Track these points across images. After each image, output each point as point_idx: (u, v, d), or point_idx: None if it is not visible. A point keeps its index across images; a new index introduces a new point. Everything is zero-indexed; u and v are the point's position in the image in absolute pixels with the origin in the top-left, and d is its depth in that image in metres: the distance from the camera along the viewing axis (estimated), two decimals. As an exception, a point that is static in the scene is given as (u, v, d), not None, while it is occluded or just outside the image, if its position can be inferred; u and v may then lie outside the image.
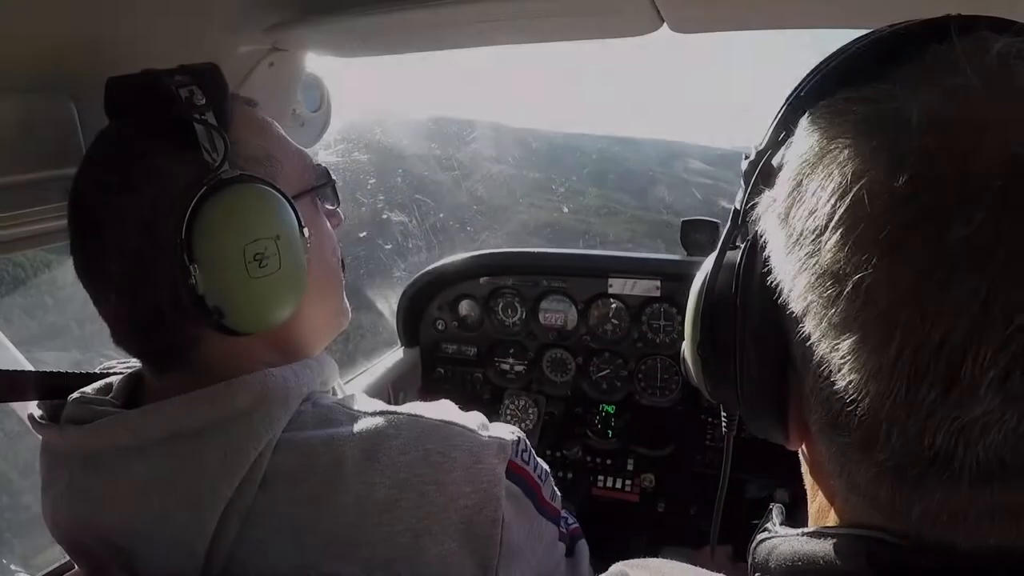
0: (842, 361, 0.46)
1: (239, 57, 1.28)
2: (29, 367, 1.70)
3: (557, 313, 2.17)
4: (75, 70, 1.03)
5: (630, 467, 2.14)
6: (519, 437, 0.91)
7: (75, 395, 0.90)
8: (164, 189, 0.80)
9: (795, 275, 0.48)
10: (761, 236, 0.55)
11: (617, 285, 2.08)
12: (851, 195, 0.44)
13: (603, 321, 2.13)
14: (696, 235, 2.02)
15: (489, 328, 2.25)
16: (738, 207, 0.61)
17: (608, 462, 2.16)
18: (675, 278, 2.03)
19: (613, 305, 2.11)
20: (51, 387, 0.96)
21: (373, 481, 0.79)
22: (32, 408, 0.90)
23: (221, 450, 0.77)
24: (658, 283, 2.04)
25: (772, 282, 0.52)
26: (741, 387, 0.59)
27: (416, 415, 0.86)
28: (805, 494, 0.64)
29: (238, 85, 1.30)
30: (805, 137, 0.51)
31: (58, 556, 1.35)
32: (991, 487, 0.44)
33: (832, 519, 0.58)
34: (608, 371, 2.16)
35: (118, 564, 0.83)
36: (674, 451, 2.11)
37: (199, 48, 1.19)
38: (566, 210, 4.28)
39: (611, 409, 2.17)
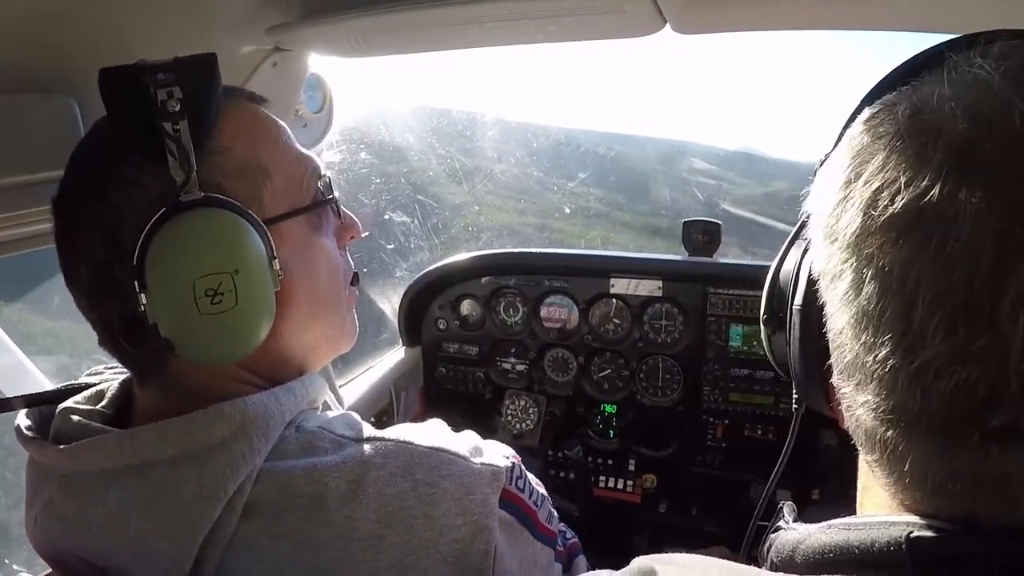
0: (834, 308, 0.54)
1: (242, 57, 1.28)
2: (31, 367, 1.70)
3: (559, 312, 2.18)
4: (78, 70, 1.03)
5: (631, 467, 2.14)
6: (514, 463, 0.87)
7: (65, 405, 0.86)
8: (131, 201, 0.76)
9: (819, 242, 0.57)
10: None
11: (619, 285, 2.08)
12: (848, 170, 0.53)
13: (605, 321, 2.13)
14: (698, 236, 2.03)
15: (491, 328, 2.25)
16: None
17: (609, 462, 2.17)
18: (677, 278, 2.04)
19: (615, 305, 2.11)
20: (39, 397, 0.92)
21: (357, 515, 0.75)
22: (21, 418, 0.87)
23: (197, 481, 0.74)
24: (660, 283, 2.04)
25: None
26: (791, 356, 0.69)
27: (405, 442, 0.82)
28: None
29: (241, 85, 1.30)
30: (846, 135, 0.58)
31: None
32: (955, 445, 0.47)
33: (869, 506, 0.60)
34: (609, 371, 2.16)
35: None
36: (675, 451, 2.11)
37: (202, 47, 1.18)
38: (567, 211, 4.26)
39: (612, 409, 2.17)
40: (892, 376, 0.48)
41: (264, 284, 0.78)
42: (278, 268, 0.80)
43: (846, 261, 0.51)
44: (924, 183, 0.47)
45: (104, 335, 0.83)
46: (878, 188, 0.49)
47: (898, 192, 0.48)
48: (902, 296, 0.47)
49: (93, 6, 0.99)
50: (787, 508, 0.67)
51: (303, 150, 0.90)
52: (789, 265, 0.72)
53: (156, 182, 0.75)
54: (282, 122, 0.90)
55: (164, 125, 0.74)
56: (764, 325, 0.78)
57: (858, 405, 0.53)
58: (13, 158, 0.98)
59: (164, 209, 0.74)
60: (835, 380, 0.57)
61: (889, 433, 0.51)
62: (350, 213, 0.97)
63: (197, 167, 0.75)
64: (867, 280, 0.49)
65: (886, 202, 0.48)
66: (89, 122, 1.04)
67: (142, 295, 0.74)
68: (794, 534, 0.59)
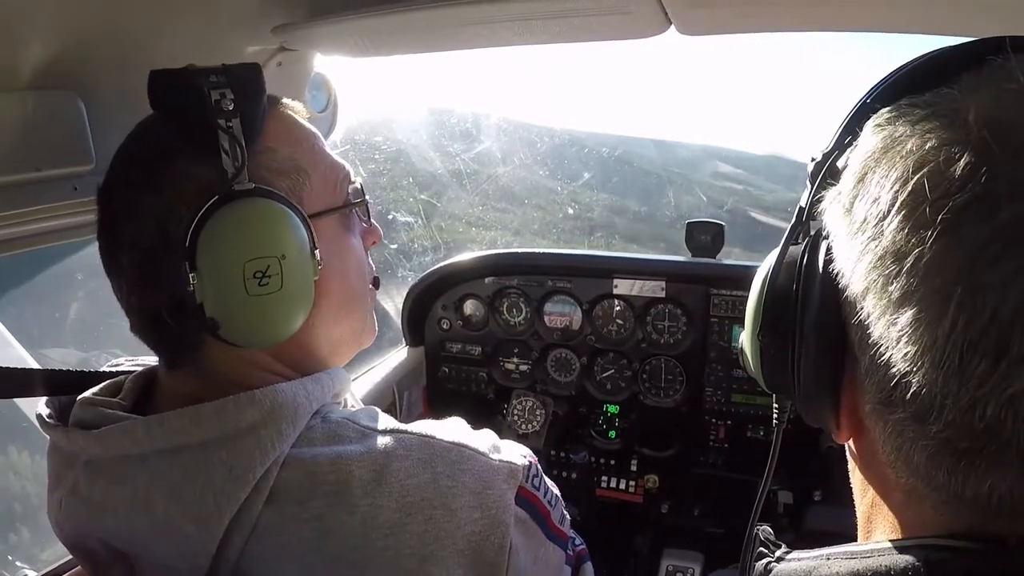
0: (900, 334, 0.48)
1: (248, 57, 1.28)
2: (35, 365, 1.71)
3: (562, 313, 2.18)
4: (84, 69, 1.03)
5: (633, 468, 2.14)
6: (531, 462, 0.89)
7: (84, 395, 0.89)
8: (182, 192, 0.80)
9: (857, 258, 0.52)
10: (824, 229, 0.59)
11: (622, 286, 2.08)
12: (912, 182, 0.48)
13: (608, 321, 2.13)
14: (701, 237, 2.03)
15: (494, 328, 2.25)
16: (803, 205, 0.65)
17: (612, 463, 2.17)
18: (680, 279, 2.04)
19: (618, 306, 2.11)
20: (59, 384, 0.96)
21: (380, 503, 0.78)
22: (41, 407, 0.90)
23: (227, 465, 0.77)
24: (663, 284, 2.04)
25: (833, 271, 0.56)
26: (798, 373, 0.61)
27: (427, 436, 0.85)
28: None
29: (246, 84, 1.30)
30: (870, 136, 0.55)
31: (63, 553, 1.35)
32: None
33: (881, 526, 0.59)
34: (612, 371, 2.16)
35: (121, 568, 0.83)
36: (678, 452, 2.12)
37: (208, 47, 1.20)
38: (570, 211, 4.25)
39: (615, 409, 2.17)
40: (980, 406, 0.45)
41: (306, 271, 0.83)
42: (319, 257, 0.85)
43: (916, 288, 0.47)
44: None
45: (141, 321, 0.86)
46: (966, 204, 0.45)
47: (996, 207, 0.44)
48: (998, 322, 0.44)
49: (99, 4, 0.99)
50: (762, 534, 0.65)
51: (336, 156, 0.95)
52: (789, 271, 0.63)
53: (208, 174, 0.80)
54: (316, 130, 0.95)
55: (219, 121, 0.79)
56: (760, 339, 0.66)
57: (913, 433, 0.51)
58: (19, 156, 0.99)
59: (217, 197, 0.79)
60: (871, 408, 0.55)
61: (962, 462, 0.48)
62: (374, 221, 1.02)
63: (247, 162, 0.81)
64: (953, 307, 0.45)
65: (975, 219, 0.45)
66: (95, 120, 1.05)
67: (192, 275, 0.78)
68: (795, 566, 0.57)
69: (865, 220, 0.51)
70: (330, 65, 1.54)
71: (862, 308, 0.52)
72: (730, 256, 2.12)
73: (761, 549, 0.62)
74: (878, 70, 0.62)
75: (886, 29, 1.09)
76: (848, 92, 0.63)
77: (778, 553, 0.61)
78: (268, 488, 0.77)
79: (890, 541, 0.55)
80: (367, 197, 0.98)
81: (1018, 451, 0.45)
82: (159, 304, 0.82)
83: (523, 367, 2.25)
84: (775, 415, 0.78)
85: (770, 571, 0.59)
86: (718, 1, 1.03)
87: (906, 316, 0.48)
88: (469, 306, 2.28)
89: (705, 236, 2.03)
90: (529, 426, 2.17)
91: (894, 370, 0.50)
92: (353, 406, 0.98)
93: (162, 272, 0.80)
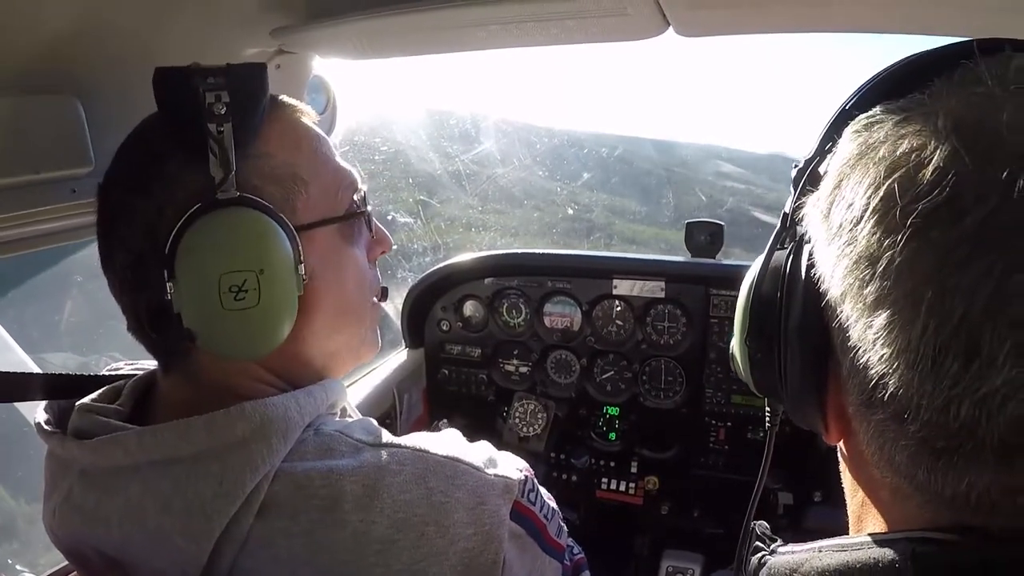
0: (875, 337, 0.50)
1: (246, 59, 1.28)
2: (35, 367, 1.71)
3: (562, 314, 2.17)
4: (82, 70, 1.04)
5: (633, 469, 2.14)
6: (526, 476, 0.88)
7: (82, 402, 0.88)
8: (171, 196, 0.79)
9: (835, 263, 0.53)
10: (806, 234, 0.60)
11: (622, 286, 2.08)
12: (884, 187, 0.49)
13: (608, 322, 2.13)
14: (700, 237, 2.03)
15: (494, 329, 2.25)
16: (787, 211, 0.66)
17: (612, 464, 2.16)
18: (680, 279, 2.03)
19: (618, 306, 2.11)
20: (58, 388, 0.95)
21: (371, 519, 0.77)
22: (39, 413, 0.89)
23: (217, 479, 0.76)
24: (662, 284, 2.04)
25: (815, 275, 0.57)
26: (784, 376, 0.62)
27: (421, 450, 0.83)
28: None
29: (244, 87, 1.30)
30: (847, 142, 0.56)
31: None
32: (1015, 463, 0.46)
33: (871, 524, 0.60)
34: (612, 373, 2.16)
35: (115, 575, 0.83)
36: (678, 454, 2.12)
37: (207, 49, 1.19)
38: (569, 211, 4.24)
39: (615, 411, 2.17)
40: (954, 405, 0.46)
41: (288, 287, 0.81)
42: (303, 273, 0.83)
43: (889, 291, 0.48)
44: (994, 201, 0.44)
45: (133, 321, 0.85)
46: (934, 207, 0.46)
47: (963, 211, 0.45)
48: (968, 324, 0.45)
49: (98, 7, 0.99)
50: (759, 528, 0.66)
51: (342, 163, 0.93)
52: (774, 276, 0.64)
53: (196, 179, 0.78)
54: (324, 134, 0.92)
55: (209, 125, 0.77)
56: (747, 345, 0.67)
57: (893, 433, 0.52)
58: (17, 158, 0.99)
59: (199, 204, 0.77)
60: (854, 409, 0.56)
61: (940, 460, 0.49)
62: (382, 228, 0.99)
63: (236, 168, 0.78)
64: (924, 309, 0.46)
65: (944, 223, 0.46)
66: (93, 122, 1.05)
67: (169, 284, 0.77)
68: (788, 558, 0.58)
69: (841, 225, 0.52)
70: (329, 67, 1.54)
71: (841, 311, 0.53)
72: (731, 256, 2.12)
73: (757, 543, 0.63)
74: (878, 69, 0.62)
75: (885, 30, 1.09)
76: (849, 91, 0.63)
77: (772, 546, 0.62)
78: (259, 502, 0.76)
79: (879, 534, 0.56)
80: (369, 207, 0.96)
81: (993, 449, 0.46)
82: (143, 309, 0.82)
83: (523, 369, 2.25)
84: (767, 418, 0.80)
85: (764, 564, 0.60)
86: (716, 3, 1.03)
87: (881, 319, 0.49)
88: (469, 307, 2.28)
89: (704, 236, 2.03)
90: (531, 429, 2.17)
91: (872, 372, 0.51)
92: (350, 415, 0.97)
93: (150, 277, 0.79)
